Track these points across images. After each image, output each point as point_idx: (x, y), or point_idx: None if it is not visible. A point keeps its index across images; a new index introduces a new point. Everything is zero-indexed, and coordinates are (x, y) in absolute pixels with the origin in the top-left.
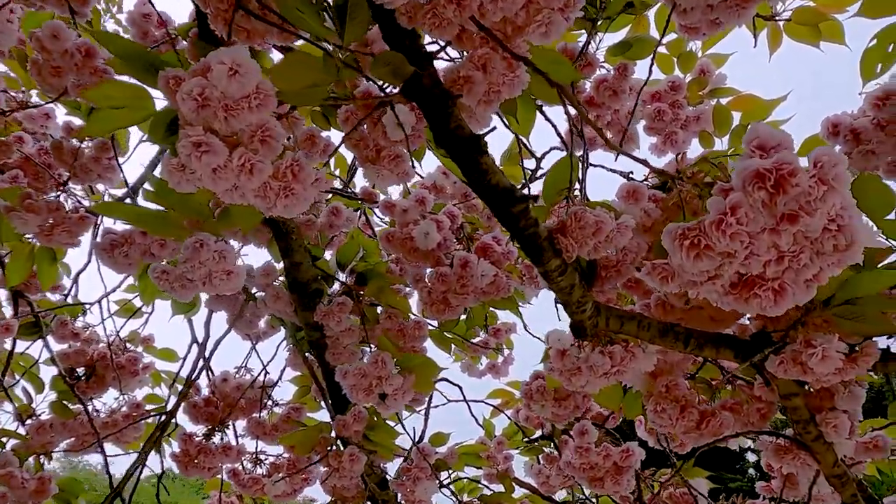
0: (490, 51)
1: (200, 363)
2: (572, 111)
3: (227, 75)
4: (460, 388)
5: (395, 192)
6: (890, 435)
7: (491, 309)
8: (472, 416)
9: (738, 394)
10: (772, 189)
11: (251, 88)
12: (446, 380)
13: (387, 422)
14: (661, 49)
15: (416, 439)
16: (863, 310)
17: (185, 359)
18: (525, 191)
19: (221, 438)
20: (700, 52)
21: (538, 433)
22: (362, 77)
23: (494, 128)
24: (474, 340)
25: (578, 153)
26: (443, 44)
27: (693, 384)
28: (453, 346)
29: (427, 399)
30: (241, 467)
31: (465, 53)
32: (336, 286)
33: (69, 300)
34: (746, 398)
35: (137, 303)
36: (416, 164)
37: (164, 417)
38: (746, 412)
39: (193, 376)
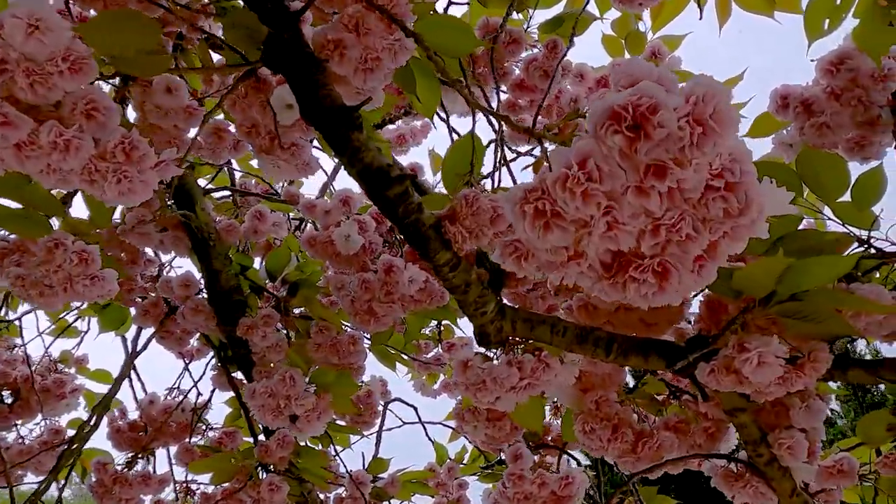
0: (364, 9)
1: (127, 383)
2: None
3: (25, 33)
4: (415, 408)
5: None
6: (862, 456)
7: (446, 322)
8: (429, 439)
9: (685, 411)
10: (630, 132)
11: (58, 49)
12: (400, 400)
13: (318, 446)
14: (608, 31)
15: (366, 466)
16: (813, 307)
17: (120, 380)
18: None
19: (146, 466)
20: (651, 32)
21: (501, 457)
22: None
23: (369, 98)
24: (427, 356)
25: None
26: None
27: (634, 400)
28: (399, 363)
29: (379, 421)
30: (170, 497)
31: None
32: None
33: None
34: (694, 416)
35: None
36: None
37: (69, 444)
38: (693, 432)
39: (111, 396)
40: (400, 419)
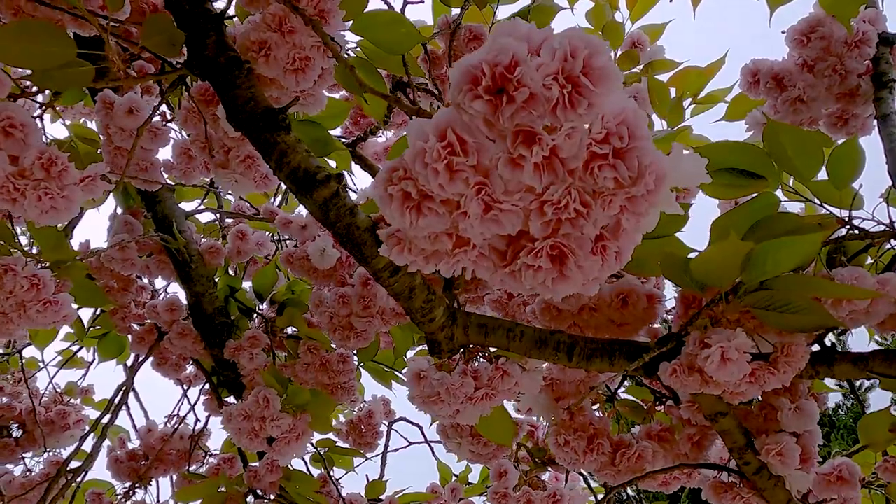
0: (286, 8)
1: (123, 411)
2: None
3: None
4: (420, 428)
5: None
6: (865, 462)
7: None
8: (436, 458)
9: (670, 419)
10: (490, 96)
11: None
12: (405, 419)
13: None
14: (585, 24)
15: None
16: (786, 296)
17: (111, 409)
18: None
19: (144, 496)
20: (629, 22)
21: None
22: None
23: (295, 100)
24: None
25: None
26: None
27: (616, 408)
28: (396, 382)
29: (383, 442)
30: None
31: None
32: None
33: None
34: (679, 423)
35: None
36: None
37: (58, 475)
38: (678, 441)
39: (108, 426)
40: (406, 439)
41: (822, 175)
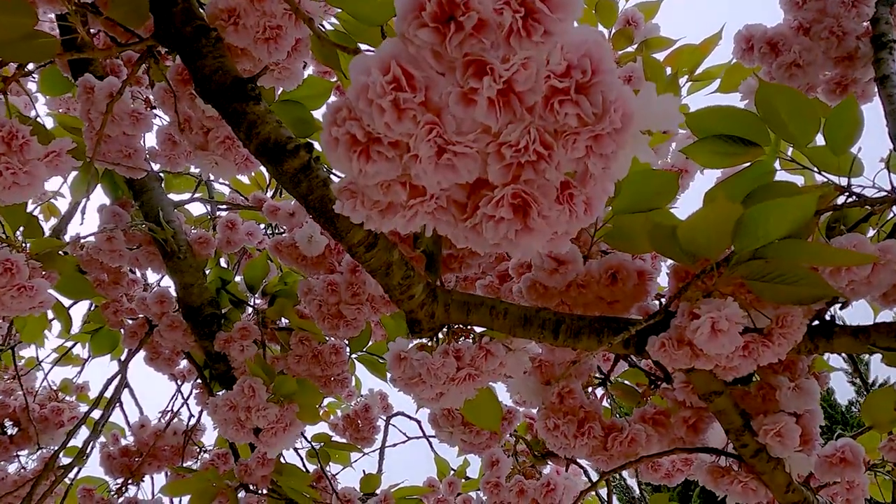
0: None
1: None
2: None
3: None
4: (419, 422)
5: None
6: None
7: None
8: (434, 452)
9: (664, 402)
10: (436, 23)
11: None
12: (403, 414)
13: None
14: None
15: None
16: (781, 266)
17: (100, 402)
18: None
19: (136, 492)
20: (623, 0)
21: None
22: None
23: (265, 69)
24: None
25: None
26: None
27: (610, 391)
28: None
29: (380, 437)
30: None
31: None
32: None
33: None
34: (674, 406)
35: (76, 349)
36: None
37: (50, 470)
38: (673, 424)
39: (101, 422)
40: (404, 434)
41: (820, 143)
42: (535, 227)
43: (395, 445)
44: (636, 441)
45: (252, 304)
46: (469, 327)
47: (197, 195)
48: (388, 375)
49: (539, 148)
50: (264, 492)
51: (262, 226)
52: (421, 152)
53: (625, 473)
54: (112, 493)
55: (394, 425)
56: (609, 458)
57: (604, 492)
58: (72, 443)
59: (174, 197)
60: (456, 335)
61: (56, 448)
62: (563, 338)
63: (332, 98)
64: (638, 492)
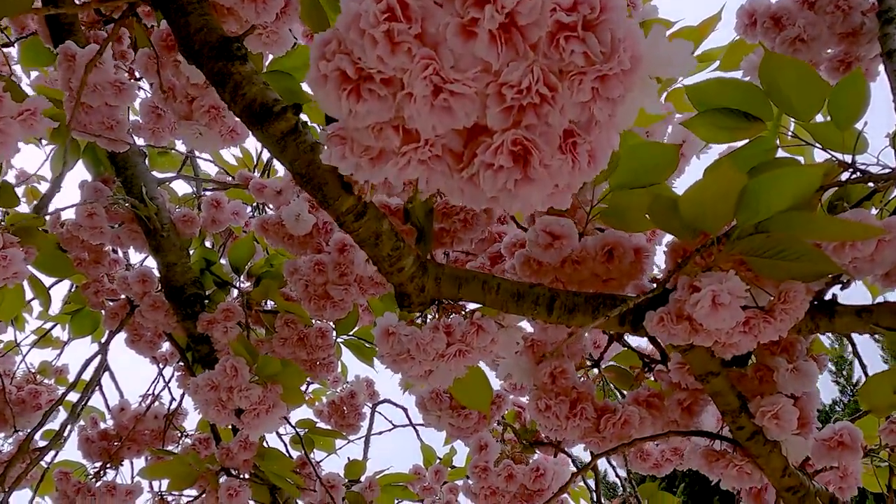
0: None
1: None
2: None
3: None
4: (405, 410)
5: None
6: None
7: None
8: (420, 440)
9: (658, 384)
10: None
11: None
12: (389, 401)
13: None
14: None
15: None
16: (783, 241)
17: (77, 383)
18: None
19: (115, 477)
20: None
21: None
22: None
23: (252, 29)
24: None
25: None
26: None
27: (604, 373)
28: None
29: (366, 425)
30: None
31: None
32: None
33: None
34: (668, 388)
35: (56, 332)
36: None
37: (24, 452)
38: (667, 406)
39: (80, 405)
40: (390, 422)
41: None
42: (536, 177)
43: (380, 433)
44: (629, 423)
45: (237, 285)
46: (460, 305)
47: (182, 175)
48: (377, 351)
49: (542, 89)
50: (246, 476)
51: (249, 209)
52: (416, 90)
53: (608, 469)
54: (90, 476)
55: (380, 413)
56: (601, 441)
57: (598, 489)
58: (50, 426)
59: (158, 175)
60: (446, 312)
61: (28, 431)
62: (558, 314)
63: None
64: (621, 488)
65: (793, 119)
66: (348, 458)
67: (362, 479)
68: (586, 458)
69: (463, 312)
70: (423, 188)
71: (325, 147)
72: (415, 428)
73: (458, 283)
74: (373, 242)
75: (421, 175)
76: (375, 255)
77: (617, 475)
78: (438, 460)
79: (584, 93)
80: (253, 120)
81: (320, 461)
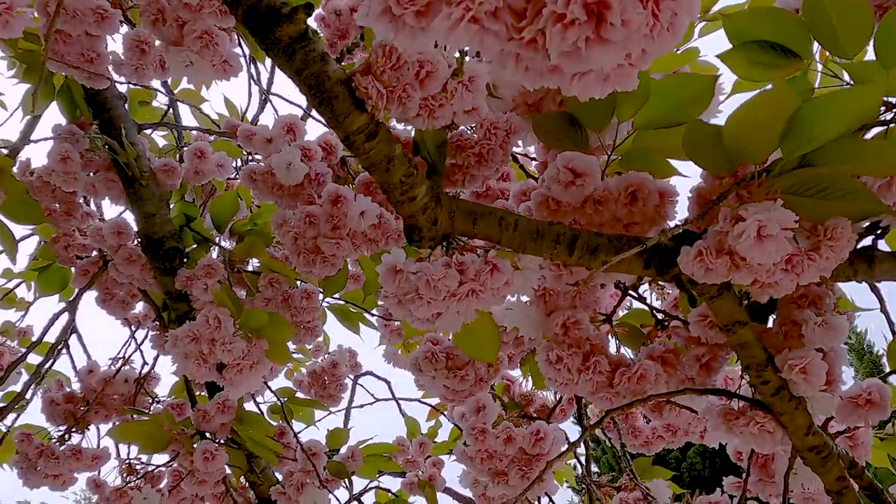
0: None
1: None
2: None
3: None
4: (388, 383)
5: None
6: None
7: None
8: (403, 414)
9: (674, 342)
10: None
11: None
12: (372, 373)
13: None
14: None
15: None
16: (828, 178)
17: (51, 349)
18: None
19: (81, 441)
20: None
21: None
22: None
23: None
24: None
25: None
26: None
27: (615, 329)
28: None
29: (347, 397)
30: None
31: None
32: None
33: None
34: (684, 345)
35: (21, 291)
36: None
37: None
38: (684, 363)
39: (45, 367)
40: (372, 395)
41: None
42: (611, 36)
43: (361, 406)
44: (645, 378)
45: (219, 242)
46: (472, 245)
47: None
48: (379, 292)
49: None
50: (222, 441)
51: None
52: None
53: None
54: (54, 440)
55: (361, 385)
56: (615, 396)
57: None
58: (12, 388)
59: (139, 123)
60: (456, 250)
61: None
62: (579, 254)
63: None
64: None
65: (832, 56)
66: (328, 430)
67: (343, 448)
68: (573, 436)
69: (476, 253)
70: (472, 53)
71: (362, 4)
72: (397, 401)
73: (472, 218)
74: (384, 167)
75: (473, 37)
76: (386, 181)
77: (612, 445)
78: (423, 435)
79: None
80: (258, 25)
81: (299, 432)
